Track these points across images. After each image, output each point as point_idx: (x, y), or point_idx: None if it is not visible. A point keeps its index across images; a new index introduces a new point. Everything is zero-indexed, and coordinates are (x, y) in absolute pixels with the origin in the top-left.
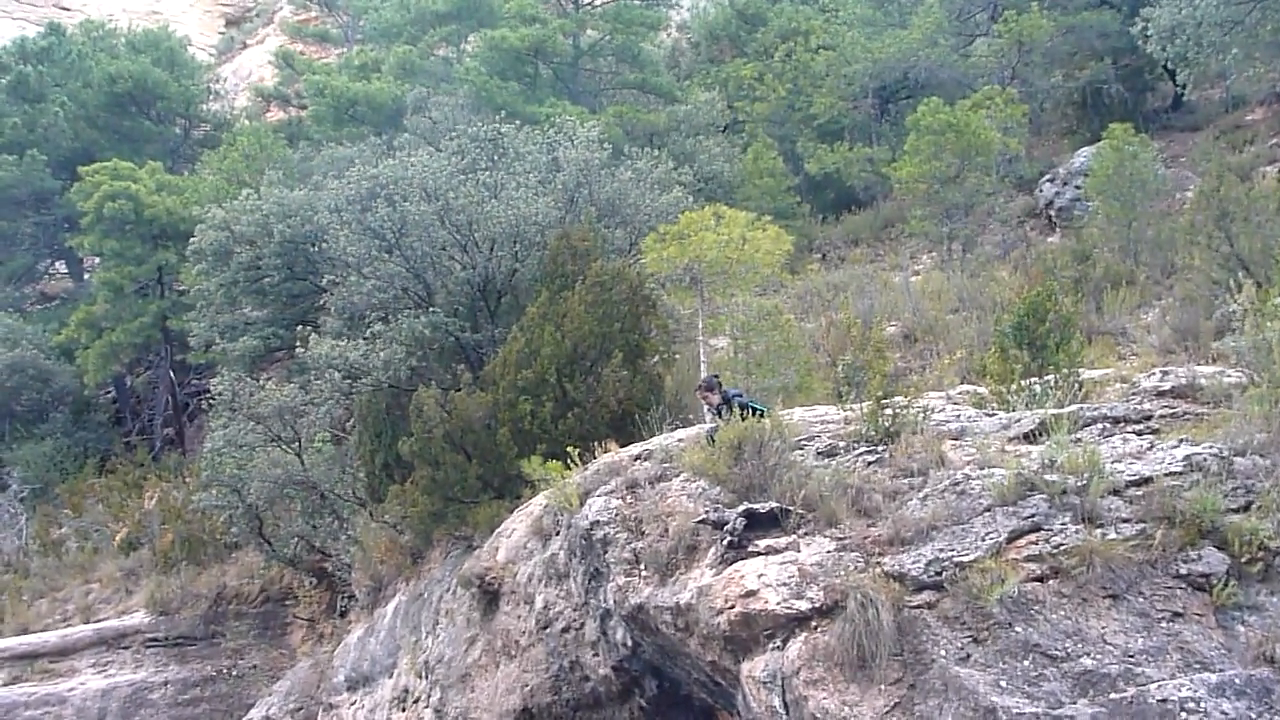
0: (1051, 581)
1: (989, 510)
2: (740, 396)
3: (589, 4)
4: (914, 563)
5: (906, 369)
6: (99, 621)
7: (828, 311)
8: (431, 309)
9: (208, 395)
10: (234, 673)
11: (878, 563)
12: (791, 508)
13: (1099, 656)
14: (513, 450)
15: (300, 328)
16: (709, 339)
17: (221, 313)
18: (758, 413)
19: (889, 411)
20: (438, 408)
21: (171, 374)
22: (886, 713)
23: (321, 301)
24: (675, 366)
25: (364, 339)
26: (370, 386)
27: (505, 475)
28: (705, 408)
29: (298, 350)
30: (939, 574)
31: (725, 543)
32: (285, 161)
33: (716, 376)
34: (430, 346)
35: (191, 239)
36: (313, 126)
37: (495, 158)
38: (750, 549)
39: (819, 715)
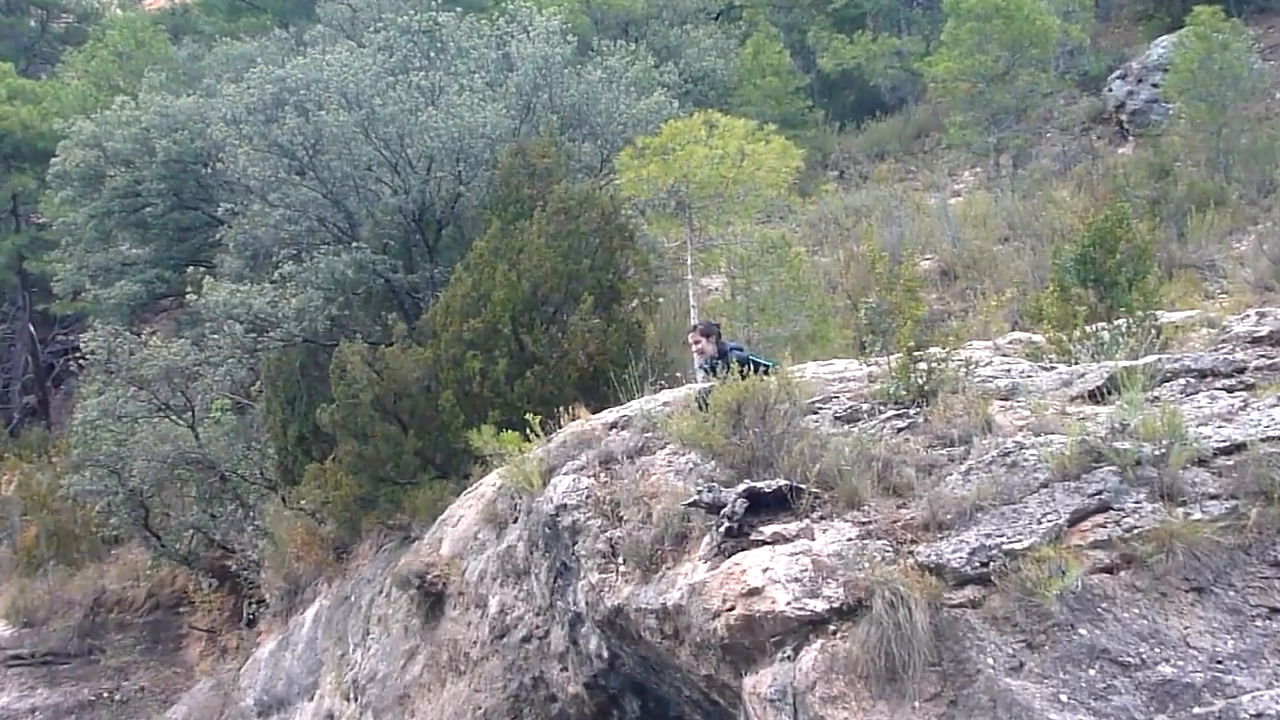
0: (1123, 573)
1: (1046, 486)
2: (740, 351)
3: None
4: (954, 552)
5: (944, 313)
6: None
7: (847, 243)
8: (355, 244)
9: (77, 354)
10: (117, 697)
11: (910, 552)
12: (803, 486)
13: (1180, 663)
14: (458, 419)
15: (191, 269)
16: (700, 278)
17: (93, 251)
18: (761, 370)
19: (923, 366)
20: (365, 367)
21: (31, 328)
22: None
23: (218, 236)
24: (659, 313)
25: (271, 283)
26: (280, 341)
27: (449, 450)
28: (696, 360)
29: (189, 297)
30: (985, 565)
31: (722, 530)
32: (169, 61)
33: (714, 323)
34: (354, 291)
35: (53, 159)
36: (202, 17)
37: (432, 55)
38: (753, 537)
39: None
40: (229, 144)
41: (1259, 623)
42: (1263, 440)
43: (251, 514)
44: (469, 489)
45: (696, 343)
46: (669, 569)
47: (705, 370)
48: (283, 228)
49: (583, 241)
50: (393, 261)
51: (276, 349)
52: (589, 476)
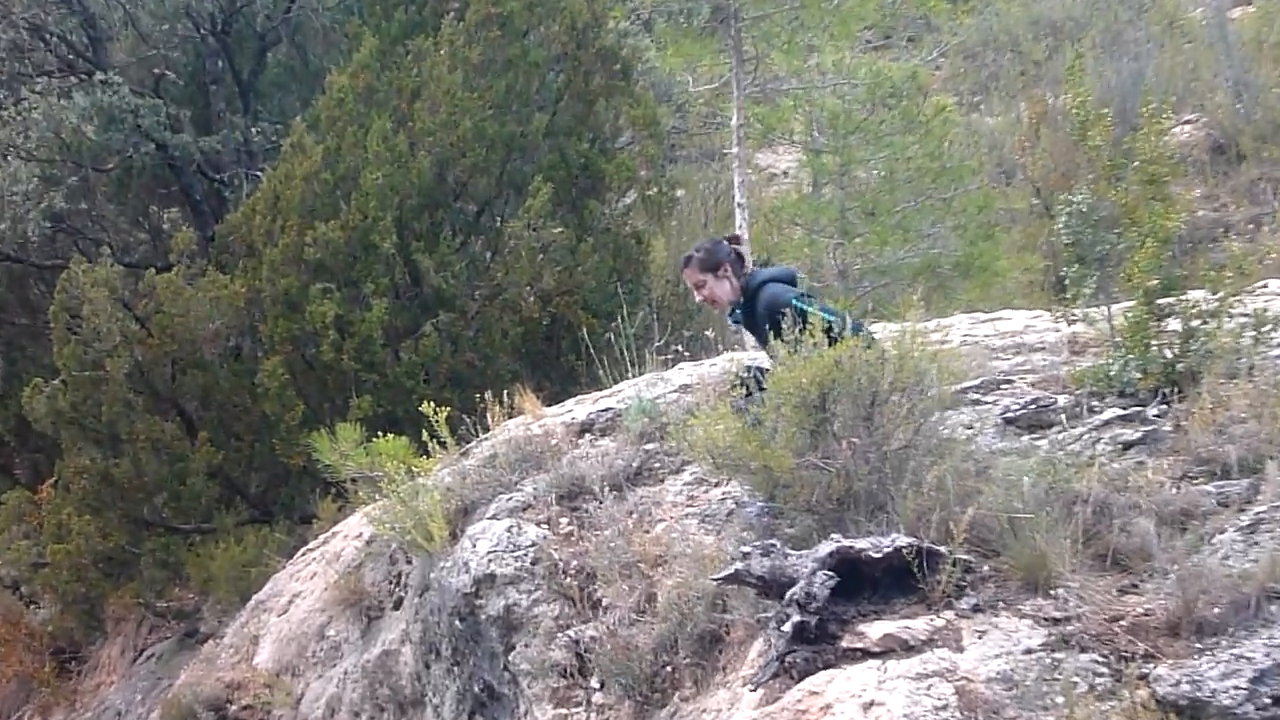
0: None
1: None
2: (783, 289)
3: None
4: (1226, 680)
5: (1218, 224)
6: None
7: (1034, 89)
8: (101, 77)
9: None
10: None
11: (1143, 678)
12: (943, 547)
13: None
14: (293, 410)
15: None
16: (756, 152)
17: None
18: (830, 329)
19: (1174, 325)
20: (117, 309)
21: None
22: None
23: None
24: (677, 217)
25: None
26: None
27: (275, 469)
28: (707, 303)
29: None
30: None
31: (790, 628)
32: None
33: (722, 242)
34: (98, 166)
35: None
36: None
37: None
38: (846, 643)
39: None
40: None
41: None
42: None
43: None
44: (311, 544)
45: (698, 285)
46: (685, 701)
47: (733, 320)
48: None
49: (534, 79)
50: (173, 110)
51: None
52: (538, 523)
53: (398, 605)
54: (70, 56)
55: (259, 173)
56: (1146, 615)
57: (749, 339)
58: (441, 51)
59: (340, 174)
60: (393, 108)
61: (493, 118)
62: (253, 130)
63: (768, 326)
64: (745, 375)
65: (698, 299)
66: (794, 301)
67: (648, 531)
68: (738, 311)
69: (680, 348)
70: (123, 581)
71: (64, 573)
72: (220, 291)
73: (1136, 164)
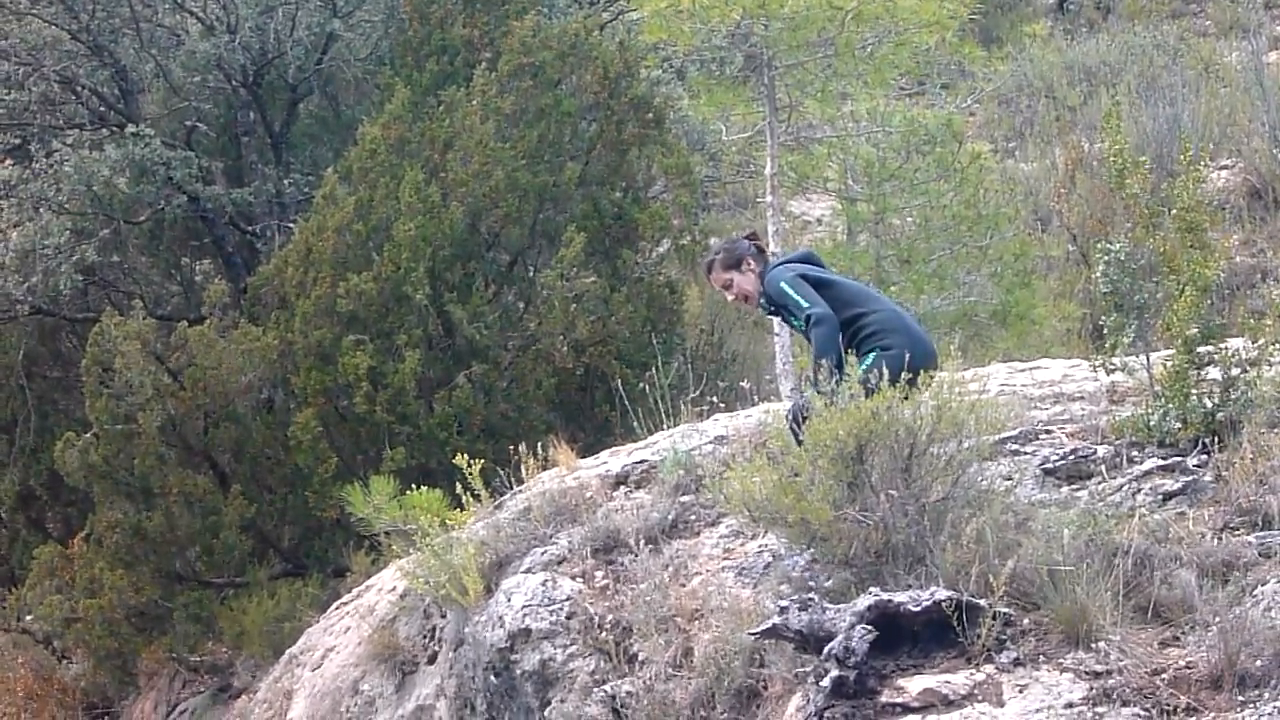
0: None
1: None
2: (796, 279)
3: None
4: None
5: (1257, 270)
6: None
7: (1070, 135)
8: (133, 129)
9: None
10: None
11: None
12: (983, 600)
13: None
14: (326, 464)
15: None
16: (787, 200)
17: None
18: (895, 368)
19: (1214, 374)
20: (149, 362)
21: None
22: None
23: None
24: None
25: None
26: None
27: (309, 523)
28: (740, 301)
29: None
30: None
31: (829, 682)
32: None
33: (739, 241)
34: (129, 219)
35: None
36: None
37: None
38: (886, 698)
39: None
40: None
41: None
42: None
43: None
44: (344, 598)
45: (726, 286)
46: None
47: (761, 307)
48: None
49: (567, 129)
50: (205, 163)
51: None
52: (573, 577)
53: (432, 660)
54: (102, 109)
55: (291, 224)
56: (1188, 668)
57: (786, 385)
58: (474, 102)
59: (372, 225)
60: (425, 158)
61: (525, 167)
62: (285, 182)
63: (782, 306)
64: (794, 416)
65: (729, 299)
66: (780, 283)
67: (684, 585)
68: (764, 301)
69: (715, 398)
70: (155, 636)
71: (96, 627)
72: (253, 344)
73: (1174, 211)
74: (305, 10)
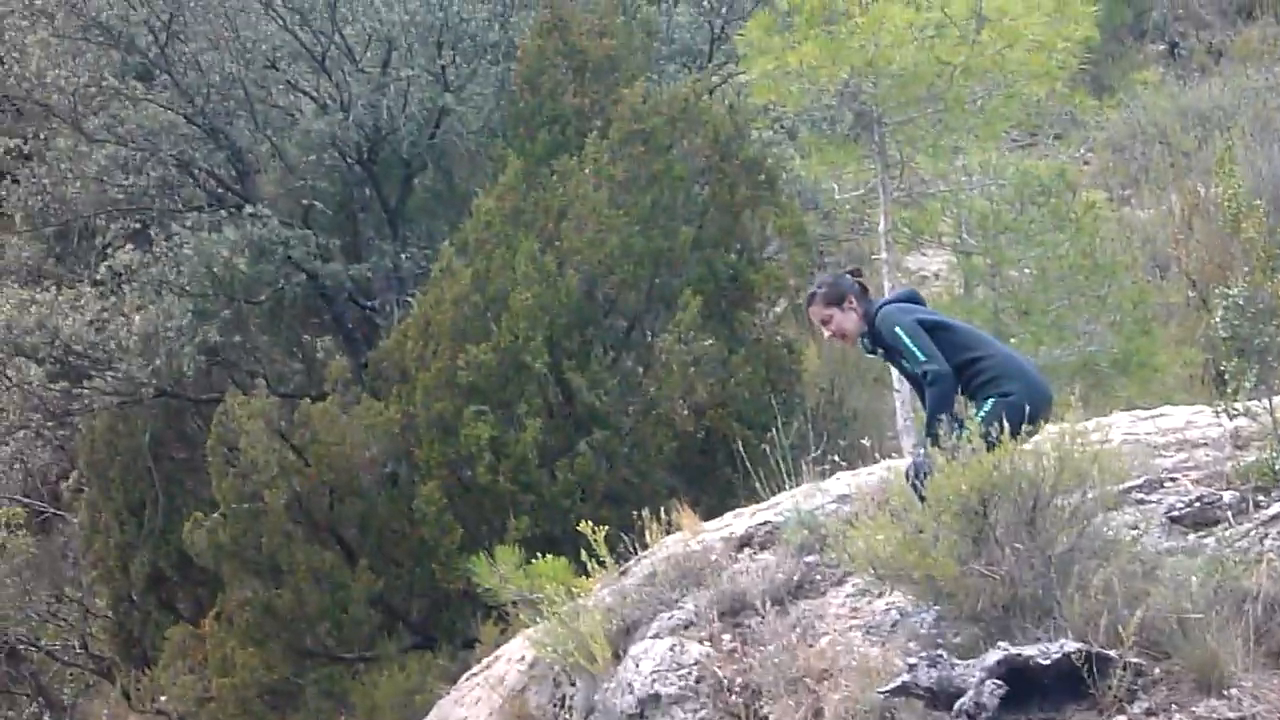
0: None
1: None
2: (913, 326)
3: None
4: None
5: None
6: None
7: (1185, 180)
8: (250, 210)
9: None
10: None
11: None
12: (1112, 651)
13: None
14: (451, 535)
15: None
16: (905, 256)
17: None
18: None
19: None
20: (273, 440)
21: None
22: None
23: None
24: None
25: (95, 284)
26: (113, 396)
27: (436, 594)
28: (836, 337)
29: None
30: None
31: None
32: None
33: (845, 275)
34: (250, 299)
35: None
36: None
37: None
38: None
39: None
40: (9, 25)
41: None
42: None
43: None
44: (474, 669)
45: (825, 321)
46: None
47: (867, 352)
48: (113, 180)
49: (679, 193)
50: (322, 240)
51: (107, 412)
52: (701, 640)
53: None
54: (219, 191)
55: (409, 298)
56: None
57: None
58: (586, 170)
59: (490, 296)
60: (539, 228)
61: (639, 233)
62: (401, 256)
63: (890, 350)
64: (914, 482)
65: (826, 335)
66: (896, 329)
67: (812, 645)
68: (866, 340)
69: (837, 457)
70: (288, 713)
71: (230, 706)
72: (375, 418)
73: None
74: (417, 86)
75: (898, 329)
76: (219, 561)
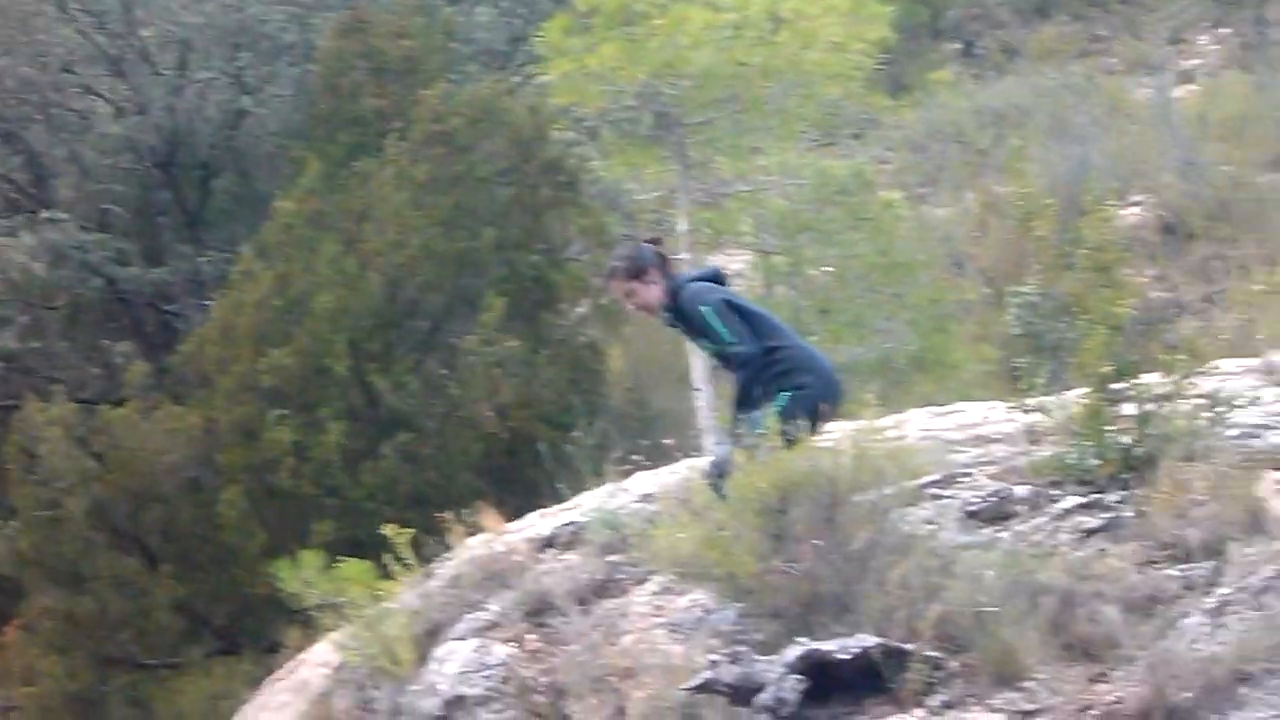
0: None
1: None
2: (718, 305)
3: None
4: None
5: (1170, 305)
6: None
7: (981, 179)
8: (47, 214)
9: None
10: None
11: None
12: (910, 646)
13: None
14: (254, 539)
15: None
16: (704, 255)
17: None
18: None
19: (1130, 410)
20: (73, 446)
21: None
22: None
23: None
24: (632, 324)
25: None
26: None
27: (240, 600)
28: (641, 310)
29: None
30: None
31: None
32: None
33: (646, 247)
34: (47, 304)
35: None
36: None
37: None
38: None
39: None
40: None
41: None
42: None
43: None
44: (278, 674)
45: (628, 294)
46: None
47: (664, 318)
48: None
49: (481, 194)
50: (121, 245)
51: None
52: (506, 641)
53: None
54: (15, 195)
55: (209, 302)
56: (1118, 703)
57: (709, 432)
58: (387, 171)
59: (291, 299)
60: (341, 230)
61: (442, 234)
62: (201, 260)
63: (693, 327)
64: (712, 478)
65: (630, 309)
66: (702, 308)
67: (615, 644)
68: (668, 316)
69: (640, 456)
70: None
71: (34, 716)
72: (176, 424)
73: (1085, 250)
74: (214, 88)
75: (704, 308)
76: (20, 570)
